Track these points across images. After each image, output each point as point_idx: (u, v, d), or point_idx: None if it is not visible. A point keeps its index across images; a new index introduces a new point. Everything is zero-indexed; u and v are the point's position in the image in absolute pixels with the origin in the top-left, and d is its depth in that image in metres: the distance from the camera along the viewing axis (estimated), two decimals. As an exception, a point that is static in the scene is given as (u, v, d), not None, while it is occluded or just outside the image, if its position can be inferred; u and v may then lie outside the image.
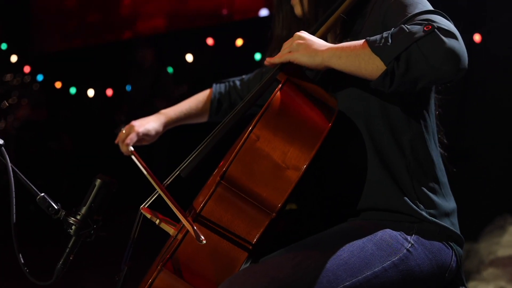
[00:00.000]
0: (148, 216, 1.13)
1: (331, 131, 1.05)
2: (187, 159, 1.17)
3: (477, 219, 3.35)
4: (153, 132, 1.53)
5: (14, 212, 1.09)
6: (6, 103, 5.47)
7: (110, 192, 1.12)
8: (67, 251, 1.10)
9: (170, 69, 5.12)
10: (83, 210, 1.10)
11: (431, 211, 1.13)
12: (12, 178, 1.10)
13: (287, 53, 1.11)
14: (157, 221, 1.12)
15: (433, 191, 1.15)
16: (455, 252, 1.15)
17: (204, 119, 1.63)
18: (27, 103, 5.58)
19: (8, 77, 5.70)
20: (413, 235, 1.10)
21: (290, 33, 1.33)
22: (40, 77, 6.10)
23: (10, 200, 1.09)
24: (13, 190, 1.09)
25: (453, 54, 0.95)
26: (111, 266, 1.41)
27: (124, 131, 1.51)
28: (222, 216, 1.02)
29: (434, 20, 0.99)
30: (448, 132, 3.79)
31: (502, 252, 3.13)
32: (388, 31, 1.02)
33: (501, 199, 3.35)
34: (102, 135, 5.61)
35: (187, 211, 1.14)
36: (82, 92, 5.75)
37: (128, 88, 5.39)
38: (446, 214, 1.15)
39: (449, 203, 1.17)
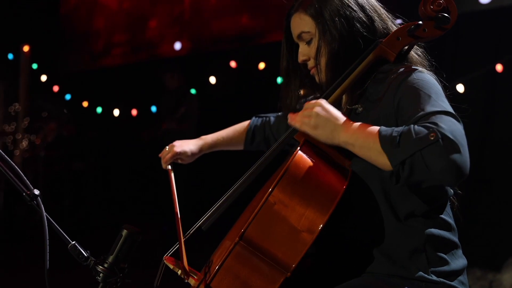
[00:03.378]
0: (171, 266, 1.20)
1: (346, 192, 1.11)
2: (208, 212, 1.24)
3: (501, 249, 3.32)
4: (189, 153, 1.71)
5: (48, 259, 1.17)
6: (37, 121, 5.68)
7: (136, 242, 1.19)
8: (95, 296, 1.17)
9: (193, 91, 5.23)
10: (110, 258, 1.17)
11: (441, 272, 1.16)
12: (47, 226, 1.18)
13: (307, 125, 1.17)
14: (179, 272, 1.18)
15: (445, 252, 1.19)
16: None
17: (239, 147, 1.77)
18: (58, 119, 5.77)
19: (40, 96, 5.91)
20: None
21: (299, 105, 1.38)
22: (68, 96, 6.29)
23: (44, 247, 1.17)
24: (47, 238, 1.17)
25: (453, 168, 1.00)
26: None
27: (167, 149, 1.71)
28: (240, 272, 1.09)
29: (442, 126, 1.03)
30: (472, 161, 3.76)
31: (525, 284, 3.10)
32: (399, 130, 1.07)
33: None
34: (127, 154, 5.77)
35: (206, 264, 1.21)
36: (108, 111, 5.90)
37: (153, 109, 5.52)
38: (456, 274, 1.19)
39: (459, 262, 1.21)
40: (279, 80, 4.84)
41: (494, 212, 3.41)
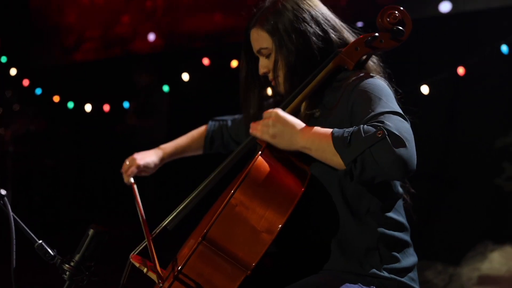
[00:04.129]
0: (137, 264, 1.25)
1: (305, 193, 1.18)
2: (173, 212, 1.29)
3: (461, 245, 3.47)
4: (152, 165, 1.73)
5: (14, 257, 1.20)
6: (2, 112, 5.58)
7: (102, 241, 1.23)
8: (61, 294, 1.20)
9: (166, 88, 5.24)
10: (77, 257, 1.21)
11: (392, 268, 1.25)
12: (13, 225, 1.21)
13: (266, 133, 1.24)
14: (145, 270, 1.23)
15: (397, 251, 1.27)
16: None
17: (199, 153, 1.82)
18: (26, 114, 5.69)
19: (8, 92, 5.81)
20: (371, 287, 1.22)
21: (259, 112, 1.44)
22: (38, 91, 6.20)
23: (10, 246, 1.20)
24: (14, 237, 1.20)
25: (400, 161, 1.08)
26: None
27: (127, 163, 1.70)
28: (203, 270, 1.15)
29: (388, 124, 1.11)
30: (434, 161, 3.90)
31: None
32: (349, 130, 1.15)
33: (483, 226, 3.47)
34: (99, 150, 5.73)
35: (171, 262, 1.26)
36: (79, 106, 5.85)
37: (126, 105, 5.50)
38: (406, 270, 1.27)
39: (409, 260, 1.29)
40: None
41: (456, 210, 3.55)
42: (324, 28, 1.34)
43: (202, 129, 1.80)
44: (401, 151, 1.08)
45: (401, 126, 1.12)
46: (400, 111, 1.19)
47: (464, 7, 3.40)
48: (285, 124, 1.22)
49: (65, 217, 5.14)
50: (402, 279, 1.25)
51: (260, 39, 1.36)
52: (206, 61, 5.15)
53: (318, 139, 1.18)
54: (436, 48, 3.57)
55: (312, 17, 1.34)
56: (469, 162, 3.48)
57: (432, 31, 3.55)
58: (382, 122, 1.12)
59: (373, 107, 1.18)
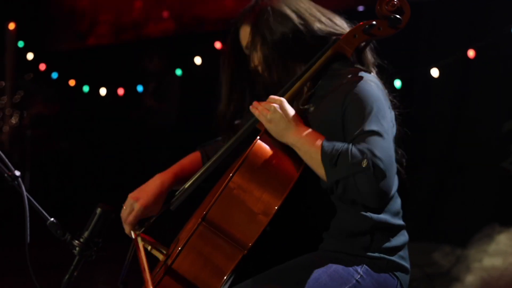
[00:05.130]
0: (141, 243, 1.33)
1: (300, 178, 1.25)
2: (177, 193, 1.37)
3: (468, 227, 3.50)
4: (155, 212, 1.45)
5: (29, 234, 1.29)
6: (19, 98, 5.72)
7: (109, 219, 1.31)
8: (71, 268, 1.30)
9: (178, 71, 5.30)
10: (86, 234, 1.29)
11: (382, 248, 1.31)
12: (27, 205, 1.29)
13: (264, 116, 1.29)
14: (149, 248, 1.32)
15: (387, 232, 1.32)
16: (400, 281, 1.32)
17: None
18: (41, 98, 5.82)
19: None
20: (363, 266, 1.28)
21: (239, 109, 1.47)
22: (55, 75, 6.32)
23: (25, 224, 1.28)
24: (28, 216, 1.28)
25: (379, 194, 1.17)
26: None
27: (125, 208, 1.43)
28: (203, 249, 1.23)
29: (375, 153, 1.17)
30: (443, 144, 3.91)
31: (488, 260, 3.28)
32: (339, 148, 1.20)
33: (490, 208, 3.50)
34: (113, 133, 5.84)
35: (173, 241, 1.34)
36: (94, 90, 5.95)
37: (139, 88, 5.58)
38: (396, 249, 1.33)
39: (399, 239, 1.34)
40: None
41: (463, 193, 3.57)
42: (305, 20, 1.36)
43: (194, 154, 1.59)
44: (382, 184, 1.16)
45: (386, 156, 1.18)
46: (387, 127, 1.24)
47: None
48: (285, 114, 1.27)
49: (78, 198, 5.29)
50: (392, 258, 1.31)
51: (246, 34, 1.40)
52: (218, 45, 5.19)
53: (308, 144, 1.24)
54: (446, 31, 3.56)
55: (292, 11, 1.37)
56: (476, 145, 3.49)
57: (443, 14, 3.53)
58: (369, 150, 1.17)
59: (364, 121, 1.22)
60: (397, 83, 3.42)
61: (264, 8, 1.38)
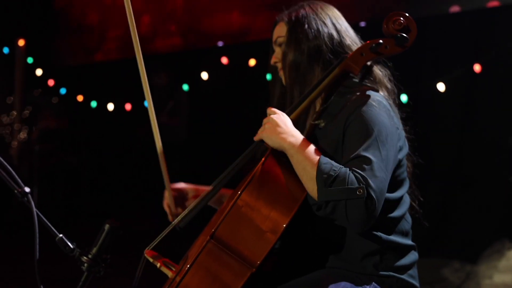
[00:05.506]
0: (151, 260, 1.34)
1: (308, 196, 1.25)
2: (184, 212, 1.38)
3: (478, 242, 3.47)
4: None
5: (38, 249, 1.29)
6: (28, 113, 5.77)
7: (117, 235, 1.32)
8: (80, 284, 1.30)
9: (185, 87, 5.34)
10: (94, 250, 1.30)
11: (391, 266, 1.30)
12: (37, 221, 1.30)
13: (260, 132, 1.32)
14: (158, 265, 1.32)
15: (397, 251, 1.32)
16: None
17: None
18: (49, 112, 5.87)
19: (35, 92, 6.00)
20: (372, 284, 1.28)
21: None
22: (63, 90, 6.38)
23: (34, 240, 1.29)
24: (37, 232, 1.29)
25: (365, 222, 1.18)
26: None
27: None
28: (211, 266, 1.23)
29: (370, 184, 1.17)
30: (450, 159, 3.89)
31: (498, 277, 3.24)
32: (336, 169, 1.20)
33: (499, 223, 3.46)
34: (120, 148, 5.87)
35: (182, 258, 1.35)
36: (102, 106, 6.00)
37: (146, 103, 5.62)
38: (406, 268, 1.32)
39: (409, 258, 1.34)
40: (268, 76, 4.93)
41: (472, 208, 3.54)
42: (340, 34, 1.42)
43: None
44: (370, 213, 1.17)
45: (379, 186, 1.19)
46: (389, 151, 1.25)
47: (480, 4, 3.39)
48: (280, 121, 1.30)
49: (86, 212, 5.31)
50: (402, 276, 1.30)
51: (280, 29, 1.46)
52: (224, 60, 5.23)
53: (302, 154, 1.24)
54: (452, 45, 3.57)
55: (331, 22, 1.42)
56: (484, 160, 3.47)
57: (448, 28, 3.55)
58: (366, 180, 1.18)
59: (362, 145, 1.23)
60: (403, 98, 3.43)
61: (306, 11, 1.42)
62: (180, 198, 1.58)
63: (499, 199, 3.44)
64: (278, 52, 1.45)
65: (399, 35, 1.32)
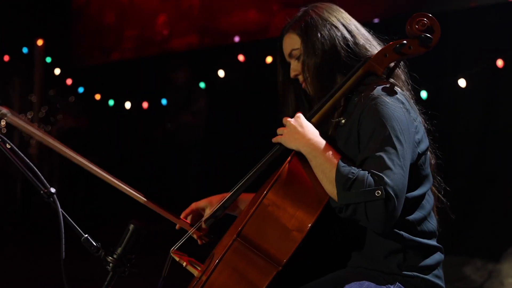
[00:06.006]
0: (177, 259, 1.34)
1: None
2: (210, 212, 1.38)
3: (501, 240, 3.41)
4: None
5: (64, 249, 1.30)
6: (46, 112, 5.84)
7: (142, 235, 1.32)
8: (105, 284, 1.30)
9: (202, 84, 5.35)
10: (119, 250, 1.30)
11: (415, 266, 1.28)
12: (62, 221, 1.31)
13: (279, 135, 1.32)
14: (184, 264, 1.32)
15: (421, 250, 1.29)
16: None
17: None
18: (70, 112, 5.93)
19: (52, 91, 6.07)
20: (396, 284, 1.26)
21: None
22: (81, 89, 6.45)
23: (60, 239, 1.30)
24: (63, 232, 1.30)
25: (387, 222, 1.17)
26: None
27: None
28: (237, 265, 1.23)
29: (388, 183, 1.16)
30: (472, 156, 3.85)
31: (522, 275, 3.18)
32: (355, 172, 1.19)
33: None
34: (139, 146, 5.91)
35: (208, 257, 1.34)
36: (120, 104, 6.05)
37: (164, 101, 5.65)
38: (431, 268, 1.30)
39: (433, 258, 1.31)
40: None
41: (495, 206, 3.49)
42: (352, 34, 1.39)
43: None
44: (391, 214, 1.17)
45: (398, 184, 1.18)
46: (406, 146, 1.23)
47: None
48: (298, 124, 1.30)
49: (107, 212, 5.36)
50: (426, 276, 1.28)
51: (292, 41, 1.42)
52: (241, 58, 5.23)
53: (322, 158, 1.24)
54: (474, 40, 3.51)
55: (341, 24, 1.39)
56: (508, 156, 3.41)
57: (470, 23, 3.49)
58: (384, 179, 1.17)
59: (377, 143, 1.22)
60: (423, 94, 3.38)
61: (314, 17, 1.40)
62: (198, 216, 1.54)
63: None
64: (296, 65, 1.42)
65: (423, 35, 1.30)
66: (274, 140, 1.34)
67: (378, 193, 1.15)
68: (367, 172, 1.19)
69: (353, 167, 1.21)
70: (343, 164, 1.22)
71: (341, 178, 1.19)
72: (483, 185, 3.54)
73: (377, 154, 1.20)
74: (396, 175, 1.18)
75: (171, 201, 4.88)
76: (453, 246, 3.45)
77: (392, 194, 1.15)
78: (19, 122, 1.39)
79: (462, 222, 3.64)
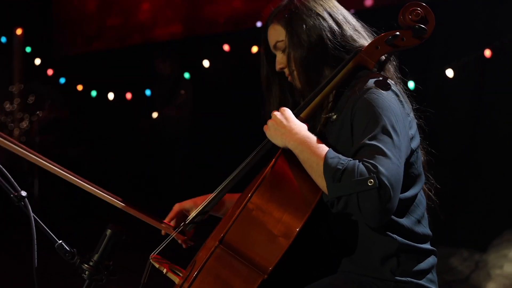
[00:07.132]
0: (156, 265, 1.27)
1: (322, 198, 1.17)
2: (191, 214, 1.30)
3: (487, 231, 3.41)
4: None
5: (36, 257, 1.22)
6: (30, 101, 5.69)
7: (120, 240, 1.24)
8: (82, 293, 1.23)
9: (187, 75, 5.25)
10: (96, 257, 1.23)
11: (409, 271, 1.23)
12: (34, 226, 1.23)
13: (266, 125, 1.25)
14: (164, 271, 1.25)
15: (414, 255, 1.25)
16: None
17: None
18: (50, 102, 5.79)
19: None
20: None
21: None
22: (62, 80, 6.29)
23: (32, 246, 1.22)
24: (35, 238, 1.22)
25: (382, 214, 1.09)
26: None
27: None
28: (220, 273, 1.16)
29: (381, 171, 1.08)
30: (460, 146, 3.83)
31: (508, 266, 3.18)
32: (344, 162, 1.12)
33: (510, 213, 3.40)
34: (122, 138, 5.81)
35: (190, 264, 1.27)
36: (102, 95, 5.92)
37: (148, 92, 5.53)
38: (424, 272, 1.25)
39: (427, 262, 1.27)
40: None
41: (482, 196, 3.48)
42: (339, 24, 1.32)
43: None
44: (386, 205, 1.09)
45: (393, 172, 1.10)
46: (400, 137, 1.16)
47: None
48: (284, 118, 1.24)
49: (87, 205, 5.25)
50: (420, 282, 1.24)
51: (276, 33, 1.35)
52: (226, 47, 5.13)
53: (309, 152, 1.17)
54: (462, 30, 3.46)
55: (328, 13, 1.32)
56: (495, 148, 3.39)
57: (458, 13, 3.44)
58: (376, 168, 1.09)
59: (371, 132, 1.15)
60: (410, 84, 3.34)
61: (298, 7, 1.32)
62: (183, 218, 1.46)
63: (510, 187, 3.37)
64: (281, 57, 1.35)
65: (417, 26, 1.23)
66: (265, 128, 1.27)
67: (370, 182, 1.07)
68: (357, 161, 1.11)
69: (342, 157, 1.14)
70: (332, 156, 1.14)
71: (329, 170, 1.12)
72: (470, 176, 3.53)
73: (371, 142, 1.13)
74: (392, 164, 1.10)
75: (156, 195, 4.81)
76: (440, 237, 3.44)
77: (387, 183, 1.07)
78: None
79: (449, 213, 3.63)
